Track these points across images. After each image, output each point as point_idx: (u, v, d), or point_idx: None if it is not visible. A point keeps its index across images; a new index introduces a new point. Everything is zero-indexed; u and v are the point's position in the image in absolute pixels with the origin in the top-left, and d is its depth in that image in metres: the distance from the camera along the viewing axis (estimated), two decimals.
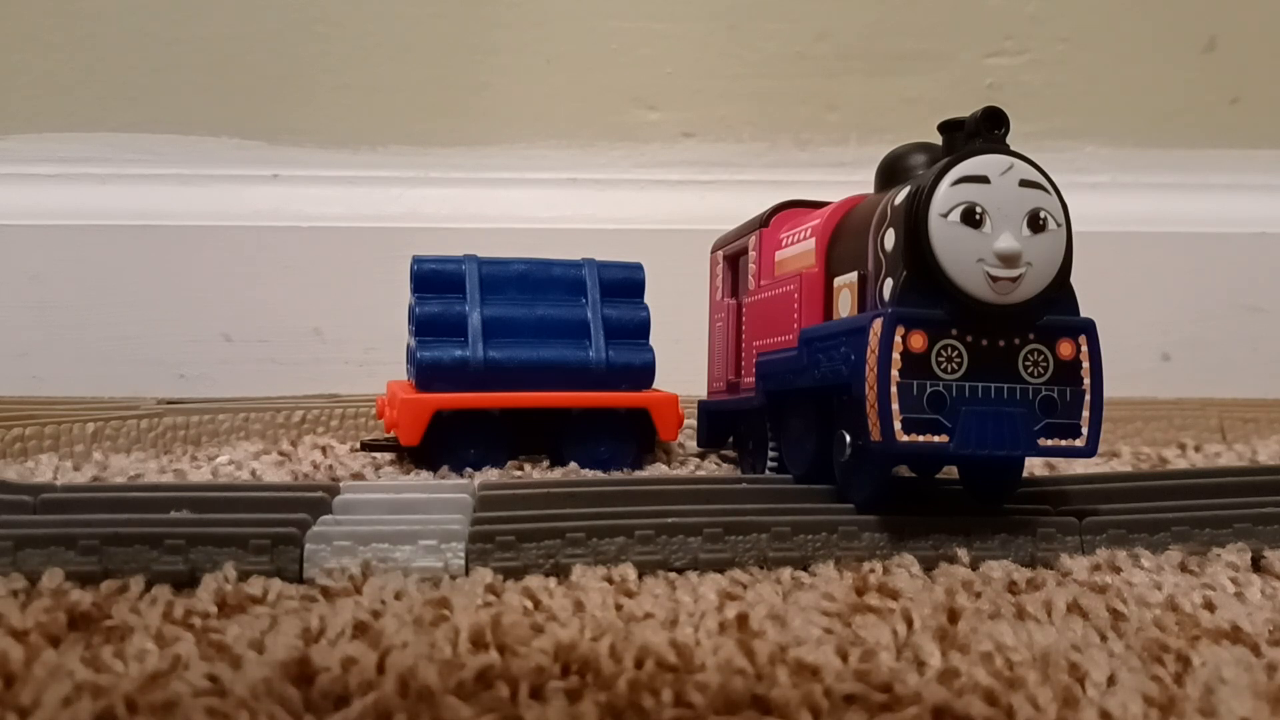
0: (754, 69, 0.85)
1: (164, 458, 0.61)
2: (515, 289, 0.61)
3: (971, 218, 0.37)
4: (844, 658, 0.27)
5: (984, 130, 0.38)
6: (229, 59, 0.82)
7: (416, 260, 0.61)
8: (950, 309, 0.37)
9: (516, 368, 0.58)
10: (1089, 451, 0.38)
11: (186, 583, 0.34)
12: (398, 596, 0.32)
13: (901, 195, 0.40)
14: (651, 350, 0.61)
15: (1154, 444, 0.70)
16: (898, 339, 0.37)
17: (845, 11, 0.84)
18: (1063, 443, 0.38)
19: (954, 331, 0.37)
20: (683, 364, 0.65)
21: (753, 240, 0.54)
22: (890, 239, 0.40)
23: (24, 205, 0.80)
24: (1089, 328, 0.39)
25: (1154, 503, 0.42)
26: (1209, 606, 0.33)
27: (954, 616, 0.31)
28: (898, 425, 0.37)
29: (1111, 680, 0.26)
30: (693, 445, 0.64)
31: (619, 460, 0.59)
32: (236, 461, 0.58)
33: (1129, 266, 0.83)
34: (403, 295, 0.62)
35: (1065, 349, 0.38)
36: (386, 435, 0.63)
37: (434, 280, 0.60)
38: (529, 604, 0.32)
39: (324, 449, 0.62)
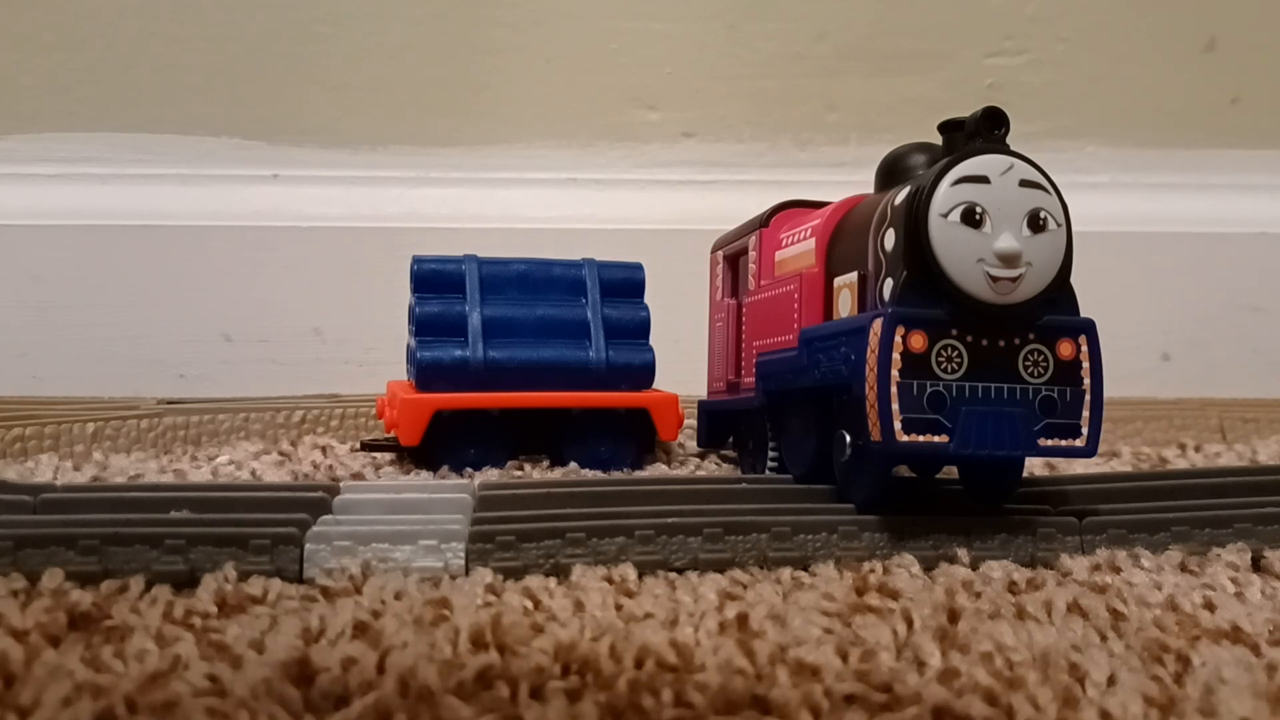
0: (754, 69, 0.85)
1: (164, 458, 0.61)
2: (515, 289, 0.61)
3: (971, 218, 0.37)
4: (844, 658, 0.27)
5: (984, 130, 0.38)
6: (229, 59, 0.82)
7: (416, 260, 0.61)
8: (950, 309, 0.37)
9: (516, 368, 0.58)
10: (1089, 451, 0.38)
11: (186, 583, 0.34)
12: (398, 596, 0.32)
13: (901, 195, 0.40)
14: (651, 350, 0.61)
15: (1154, 444, 0.70)
16: (898, 339, 0.37)
17: (845, 11, 0.84)
18: (1063, 443, 0.38)
19: (954, 331, 0.38)
20: (683, 364, 0.65)
21: (753, 240, 0.54)
22: (890, 239, 0.40)
23: (24, 205, 0.80)
24: (1089, 328, 0.39)
25: (1154, 503, 0.42)
26: (1209, 606, 0.33)
27: (954, 616, 0.31)
28: (898, 425, 0.37)
29: (1111, 680, 0.26)
30: (693, 445, 0.64)
31: (619, 460, 0.59)
32: (236, 461, 0.58)
33: (1129, 266, 0.83)
34: (403, 295, 0.62)
35: (1065, 349, 0.38)
36: (386, 435, 0.63)
37: (434, 280, 0.60)
38: (529, 604, 0.32)
39: (324, 449, 0.62)
